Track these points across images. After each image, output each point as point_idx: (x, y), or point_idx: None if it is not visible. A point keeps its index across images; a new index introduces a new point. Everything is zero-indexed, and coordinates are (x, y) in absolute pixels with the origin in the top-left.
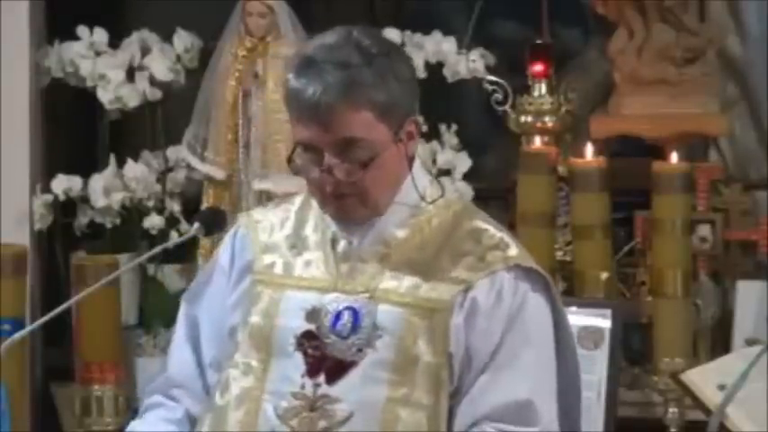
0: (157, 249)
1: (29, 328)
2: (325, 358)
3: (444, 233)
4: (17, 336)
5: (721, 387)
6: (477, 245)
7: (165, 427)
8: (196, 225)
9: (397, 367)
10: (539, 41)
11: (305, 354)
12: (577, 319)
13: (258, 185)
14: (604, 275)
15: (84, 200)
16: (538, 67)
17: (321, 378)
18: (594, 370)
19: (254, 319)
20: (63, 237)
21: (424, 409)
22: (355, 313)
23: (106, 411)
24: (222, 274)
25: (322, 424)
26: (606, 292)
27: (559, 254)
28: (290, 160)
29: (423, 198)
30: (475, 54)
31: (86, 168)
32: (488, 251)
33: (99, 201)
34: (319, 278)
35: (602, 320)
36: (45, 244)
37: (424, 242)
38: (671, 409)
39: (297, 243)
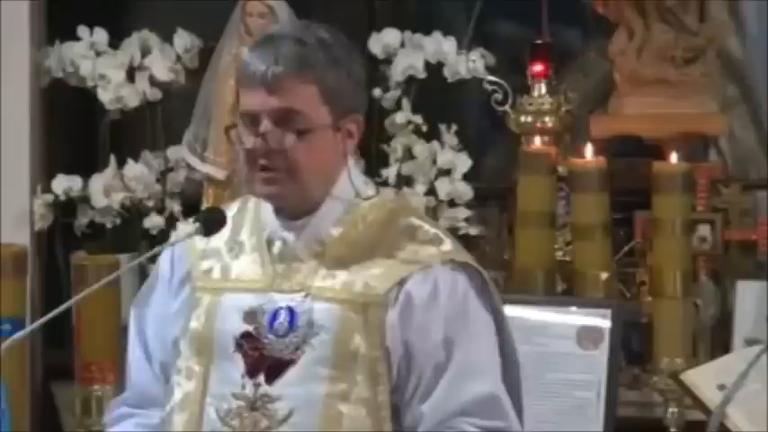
0: (157, 249)
1: (29, 328)
2: (264, 358)
3: (379, 229)
4: (17, 336)
5: (721, 387)
6: (412, 241)
7: (144, 429)
8: (196, 225)
9: (335, 363)
10: (539, 41)
11: (244, 355)
12: (577, 319)
13: None
14: (604, 275)
15: (85, 200)
16: (538, 67)
17: (261, 378)
18: (594, 370)
19: (194, 324)
20: (63, 237)
21: (364, 404)
22: (291, 312)
23: (106, 411)
24: (163, 283)
25: (264, 423)
26: (606, 292)
27: (559, 254)
28: (227, 130)
29: (357, 194)
30: (475, 54)
31: (86, 168)
32: (422, 246)
33: (99, 201)
34: (256, 279)
35: (602, 320)
36: (45, 244)
37: (358, 238)
38: (671, 409)
39: (234, 247)
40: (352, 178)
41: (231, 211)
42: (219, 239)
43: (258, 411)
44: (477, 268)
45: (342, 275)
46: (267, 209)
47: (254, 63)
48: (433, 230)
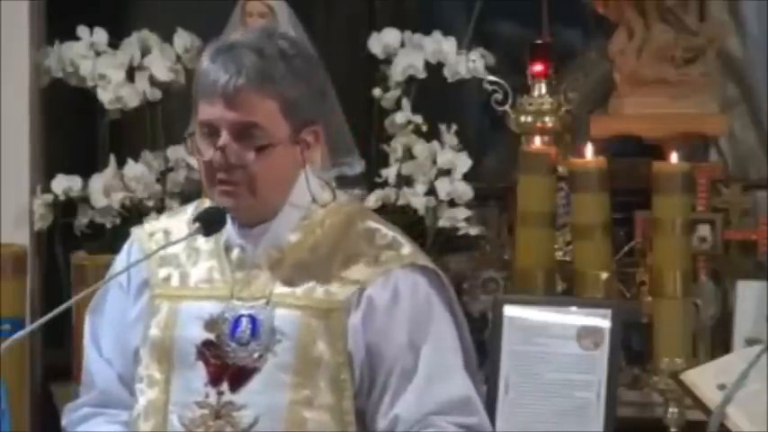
0: (157, 249)
1: (29, 328)
2: (227, 366)
3: (337, 234)
4: (17, 336)
5: (721, 387)
6: (371, 245)
7: (116, 427)
8: (196, 225)
9: (299, 370)
10: (539, 41)
11: (206, 363)
12: (577, 319)
13: None
14: (604, 275)
15: (84, 200)
16: (538, 67)
17: (224, 386)
18: (594, 370)
19: (154, 331)
20: (63, 237)
21: (328, 410)
22: (253, 320)
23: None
24: (120, 289)
25: (228, 431)
26: (606, 292)
27: (559, 254)
28: (186, 139)
29: (314, 200)
30: (475, 54)
31: (86, 168)
32: (382, 251)
33: (99, 201)
34: (215, 287)
35: (602, 320)
36: (45, 244)
37: (317, 244)
38: (671, 409)
39: (191, 254)
40: (309, 185)
41: (186, 214)
42: (177, 246)
43: (222, 419)
44: (435, 270)
45: (302, 282)
46: None
47: (215, 73)
48: (391, 234)
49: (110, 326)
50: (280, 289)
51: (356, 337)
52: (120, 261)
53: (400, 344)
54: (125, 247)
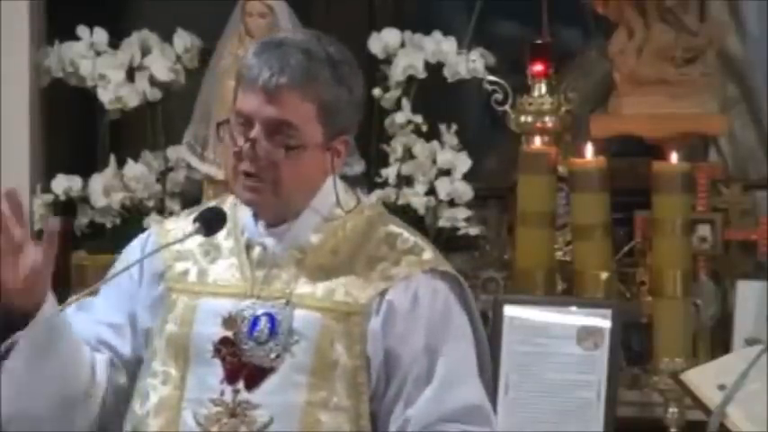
0: (157, 249)
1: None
2: (244, 364)
3: (358, 238)
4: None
5: (721, 387)
6: (392, 249)
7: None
8: (196, 225)
9: (316, 371)
10: (539, 41)
11: (223, 360)
12: (577, 319)
13: None
14: (604, 275)
15: (84, 200)
16: (538, 67)
17: (240, 384)
18: (594, 370)
19: (170, 327)
20: (63, 237)
21: (344, 412)
22: (272, 319)
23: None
24: (129, 279)
25: (242, 430)
26: (606, 292)
27: (559, 254)
28: (219, 126)
29: (339, 204)
30: (475, 54)
31: (86, 168)
32: (403, 255)
33: (99, 201)
34: (235, 284)
35: (602, 320)
36: None
37: (339, 246)
38: (671, 409)
39: (210, 251)
40: (337, 193)
41: None
42: (194, 241)
43: (237, 418)
44: (456, 276)
45: (323, 283)
46: (245, 212)
47: (259, 67)
48: (412, 239)
49: (106, 297)
50: (300, 290)
51: (375, 342)
52: (133, 251)
53: (417, 349)
54: (139, 239)
